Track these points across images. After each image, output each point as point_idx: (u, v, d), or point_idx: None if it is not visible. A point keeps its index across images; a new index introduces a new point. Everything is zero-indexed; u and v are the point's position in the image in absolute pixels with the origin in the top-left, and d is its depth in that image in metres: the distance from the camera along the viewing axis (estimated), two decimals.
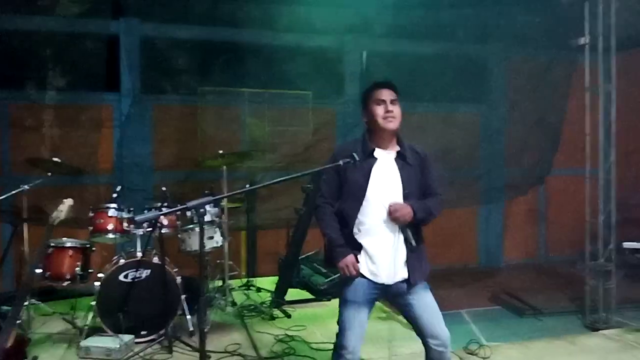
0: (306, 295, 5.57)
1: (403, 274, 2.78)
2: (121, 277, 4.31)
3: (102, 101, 6.93)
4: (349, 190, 2.80)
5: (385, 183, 2.78)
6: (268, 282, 5.76)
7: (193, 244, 4.84)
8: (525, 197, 8.52)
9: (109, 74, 6.83)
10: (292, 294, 5.50)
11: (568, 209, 8.44)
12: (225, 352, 4.16)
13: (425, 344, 2.84)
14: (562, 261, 8.76)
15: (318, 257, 5.98)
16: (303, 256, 5.83)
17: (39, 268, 4.28)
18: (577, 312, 6.46)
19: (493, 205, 8.70)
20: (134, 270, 4.29)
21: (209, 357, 4.06)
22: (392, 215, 2.70)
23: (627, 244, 5.34)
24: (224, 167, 5.02)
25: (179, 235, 4.87)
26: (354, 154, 2.71)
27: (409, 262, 2.78)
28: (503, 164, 7.90)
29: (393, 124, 2.80)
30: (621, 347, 4.38)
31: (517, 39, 7.50)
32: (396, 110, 2.81)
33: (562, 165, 8.03)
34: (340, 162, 2.69)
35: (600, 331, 4.84)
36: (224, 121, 7.05)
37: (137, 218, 2.25)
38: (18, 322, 3.31)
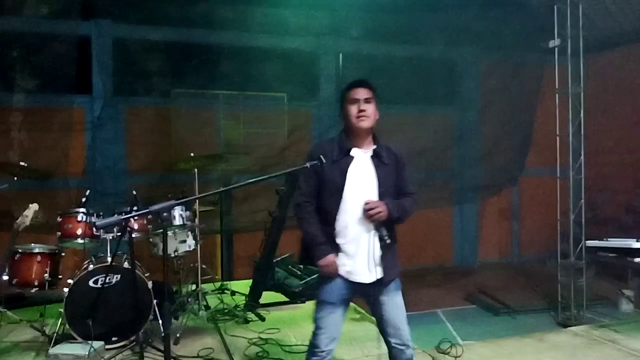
0: (281, 298, 5.55)
1: (378, 272, 2.81)
2: (91, 283, 4.23)
3: (73, 104, 6.81)
4: (327, 189, 2.81)
5: (361, 182, 2.80)
6: (242, 286, 5.73)
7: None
8: (499, 198, 8.65)
9: (80, 76, 6.70)
10: (267, 297, 5.48)
11: (540, 208, 8.59)
12: (198, 356, 4.12)
13: (387, 342, 2.91)
14: (535, 260, 8.92)
15: (292, 259, 5.97)
16: (278, 259, 5.81)
17: (4, 274, 4.18)
18: (550, 309, 6.58)
19: (467, 206, 8.81)
20: (104, 275, 4.21)
21: None
22: (368, 213, 2.72)
23: (590, 243, 5.45)
24: (196, 169, 4.97)
25: (150, 240, 4.82)
26: (322, 157, 2.73)
27: (383, 261, 2.81)
28: (476, 164, 7.99)
29: (365, 123, 2.81)
30: (588, 343, 4.47)
31: (489, 42, 7.61)
32: (370, 109, 2.82)
33: (534, 166, 8.17)
34: (307, 165, 2.70)
35: (569, 327, 4.92)
36: (198, 124, 7.00)
37: (98, 223, 2.19)
38: None
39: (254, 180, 2.89)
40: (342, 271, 2.80)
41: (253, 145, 6.98)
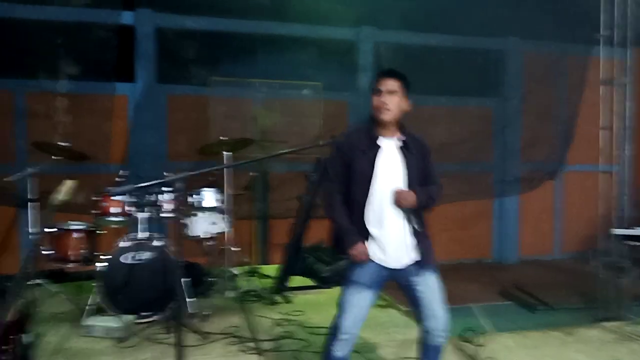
0: (308, 282, 5.61)
1: (412, 257, 2.85)
2: (122, 259, 4.41)
3: (116, 91, 7.07)
4: (356, 179, 2.84)
5: (390, 171, 2.83)
6: (273, 270, 5.81)
7: (196, 229, 4.93)
8: (540, 193, 8.39)
9: (124, 64, 6.95)
10: (295, 281, 5.54)
11: (583, 204, 8.30)
12: (223, 333, 4.22)
13: (424, 327, 2.89)
14: (577, 257, 8.62)
15: (321, 246, 6.00)
16: (308, 245, 5.85)
17: (42, 246, 4.41)
18: (590, 308, 6.33)
19: (508, 201, 8.60)
20: (135, 252, 4.37)
21: (207, 337, 4.12)
22: (398, 201, 2.76)
23: (617, 231, 5.23)
24: (225, 153, 5.06)
25: (182, 221, 4.96)
26: (335, 138, 2.80)
27: (420, 246, 2.85)
28: (516, 157, 7.81)
29: (385, 116, 2.81)
30: (618, 338, 4.32)
31: (532, 32, 7.40)
32: (392, 101, 2.80)
33: (578, 161, 7.90)
34: (320, 143, 2.75)
35: (600, 323, 4.74)
36: (234, 112, 7.12)
37: (112, 191, 2.29)
38: (19, 297, 3.39)
39: (275, 154, 2.94)
40: (374, 258, 2.83)
41: (287, 134, 7.03)
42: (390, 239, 2.81)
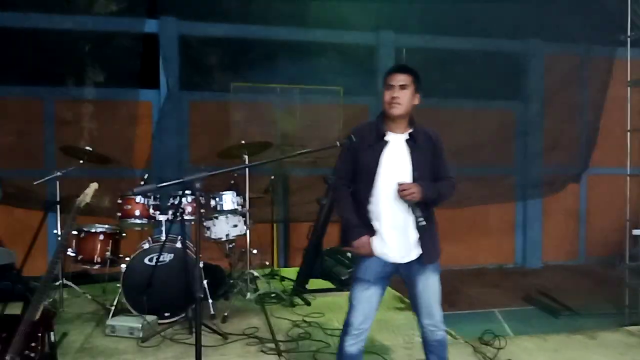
0: (328, 285, 5.63)
1: (415, 253, 2.84)
2: (146, 261, 4.50)
3: (141, 97, 7.23)
4: (361, 173, 2.85)
5: (395, 166, 2.81)
6: (293, 273, 5.85)
7: (217, 231, 5.01)
8: (564, 196, 8.28)
9: (148, 71, 7.11)
10: (314, 283, 5.57)
11: (609, 208, 8.15)
12: (243, 334, 4.27)
13: (419, 322, 2.95)
14: (602, 262, 8.47)
15: (341, 249, 6.02)
16: (327, 248, 5.88)
17: (68, 247, 4.53)
18: (615, 314, 6.22)
19: (531, 205, 8.50)
20: (158, 254, 4.45)
21: (227, 338, 4.18)
22: (401, 193, 2.73)
23: (636, 231, 5.12)
24: (246, 157, 5.14)
25: (204, 223, 5.04)
26: (352, 136, 2.78)
27: (422, 243, 2.83)
28: (538, 160, 7.72)
29: (396, 110, 2.81)
30: None
31: (554, 33, 7.33)
32: (404, 96, 2.80)
33: (603, 164, 7.78)
34: (337, 143, 2.77)
35: (624, 327, 4.65)
36: (255, 117, 7.21)
37: (135, 190, 2.37)
38: (46, 296, 3.49)
39: (294, 154, 2.99)
40: (377, 252, 2.83)
41: (307, 138, 7.09)
42: (393, 234, 2.81)
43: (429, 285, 2.88)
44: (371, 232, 2.84)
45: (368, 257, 2.84)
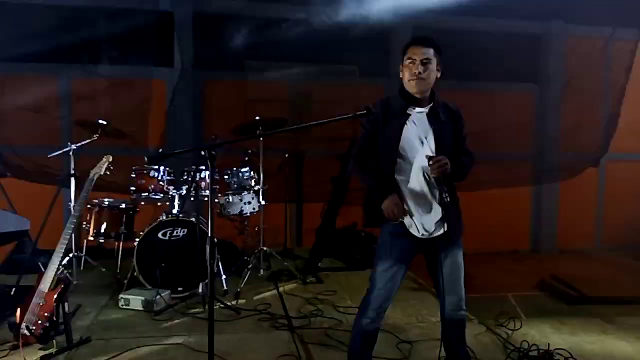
0: (341, 265, 5.61)
1: (440, 230, 2.75)
2: (160, 235, 4.51)
3: (155, 76, 7.20)
4: (383, 148, 2.78)
5: (417, 140, 2.73)
6: (305, 251, 5.84)
7: (232, 208, 5.00)
8: (582, 181, 8.15)
9: (162, 49, 7.08)
10: (327, 262, 5.56)
11: (629, 194, 8.02)
12: (255, 310, 4.27)
13: (442, 301, 2.83)
14: (619, 249, 8.35)
15: (354, 228, 5.99)
16: (340, 227, 5.85)
17: (83, 221, 4.55)
18: (632, 302, 6.13)
19: (547, 189, 8.38)
20: (172, 228, 4.45)
21: (239, 313, 4.19)
22: (433, 166, 2.62)
23: None
24: (261, 134, 5.10)
25: (218, 200, 5.03)
26: (370, 107, 2.70)
27: (448, 219, 2.73)
28: (557, 143, 7.60)
29: (419, 87, 2.71)
30: None
31: (577, 16, 7.15)
32: (427, 70, 2.69)
33: (623, 149, 7.63)
34: (362, 109, 2.69)
35: None
36: (270, 95, 7.15)
37: (147, 157, 2.35)
38: (59, 268, 3.51)
39: (310, 124, 2.94)
40: (405, 221, 2.74)
41: (323, 117, 6.99)
42: (418, 210, 2.73)
43: (455, 262, 2.80)
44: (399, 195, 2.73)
45: (394, 228, 2.74)
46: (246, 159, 5.19)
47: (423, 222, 2.74)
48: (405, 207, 2.73)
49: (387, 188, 2.74)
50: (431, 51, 2.71)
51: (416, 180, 2.73)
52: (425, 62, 2.69)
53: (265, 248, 5.27)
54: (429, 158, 2.65)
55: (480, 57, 7.46)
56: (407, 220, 2.75)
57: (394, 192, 2.73)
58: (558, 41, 7.81)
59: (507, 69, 7.67)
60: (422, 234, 2.75)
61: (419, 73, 2.68)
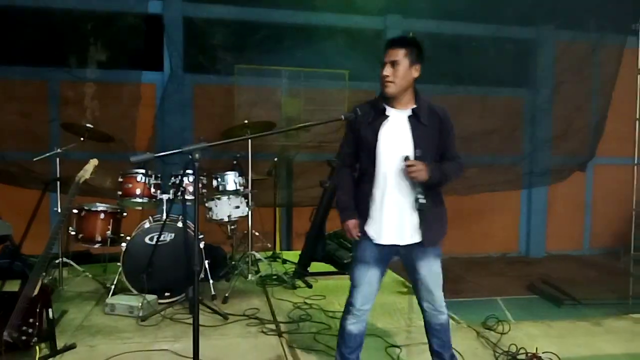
0: (330, 269, 5.59)
1: (416, 236, 2.71)
2: (146, 240, 4.46)
3: (145, 79, 7.17)
4: (362, 150, 2.76)
5: (394, 142, 2.67)
6: (295, 256, 5.81)
7: (219, 212, 4.96)
8: (570, 186, 8.21)
9: (152, 53, 7.05)
10: (316, 266, 5.53)
11: (615, 198, 8.09)
12: (244, 315, 4.24)
13: (421, 306, 2.89)
14: (607, 253, 8.42)
15: (344, 232, 5.96)
16: (330, 232, 5.83)
17: (71, 230, 4.49)
18: (619, 304, 6.17)
19: (536, 193, 8.44)
20: (159, 233, 4.41)
21: (227, 318, 4.15)
22: (407, 172, 2.59)
23: None
24: (249, 138, 5.07)
25: (206, 204, 4.99)
26: (357, 109, 2.69)
27: (423, 226, 2.69)
28: (546, 148, 7.65)
29: (389, 89, 2.65)
30: None
31: (565, 20, 7.22)
32: (394, 72, 2.62)
33: (610, 154, 7.69)
34: (342, 116, 2.69)
35: (630, 314, 4.59)
36: (260, 99, 7.14)
37: (133, 158, 2.32)
38: (44, 273, 3.46)
39: (297, 127, 2.93)
40: (372, 234, 2.72)
41: (312, 121, 7.01)
42: (391, 213, 2.68)
43: (432, 270, 2.79)
44: (364, 214, 2.74)
45: (362, 239, 2.77)
46: (235, 163, 5.16)
47: (395, 228, 2.70)
48: (377, 214, 2.71)
49: (352, 208, 2.79)
50: (401, 52, 2.63)
51: (393, 183, 2.67)
52: (393, 64, 2.63)
53: (254, 252, 5.24)
54: (405, 158, 2.61)
55: (471, 61, 7.52)
56: (378, 228, 2.72)
57: (361, 210, 2.75)
58: (547, 46, 7.88)
59: (497, 73, 7.73)
60: (393, 243, 2.72)
61: (386, 76, 2.64)
